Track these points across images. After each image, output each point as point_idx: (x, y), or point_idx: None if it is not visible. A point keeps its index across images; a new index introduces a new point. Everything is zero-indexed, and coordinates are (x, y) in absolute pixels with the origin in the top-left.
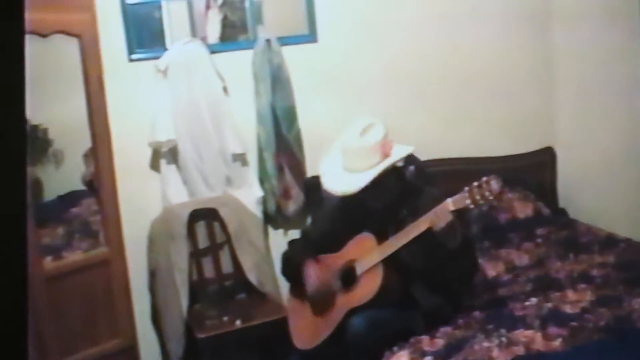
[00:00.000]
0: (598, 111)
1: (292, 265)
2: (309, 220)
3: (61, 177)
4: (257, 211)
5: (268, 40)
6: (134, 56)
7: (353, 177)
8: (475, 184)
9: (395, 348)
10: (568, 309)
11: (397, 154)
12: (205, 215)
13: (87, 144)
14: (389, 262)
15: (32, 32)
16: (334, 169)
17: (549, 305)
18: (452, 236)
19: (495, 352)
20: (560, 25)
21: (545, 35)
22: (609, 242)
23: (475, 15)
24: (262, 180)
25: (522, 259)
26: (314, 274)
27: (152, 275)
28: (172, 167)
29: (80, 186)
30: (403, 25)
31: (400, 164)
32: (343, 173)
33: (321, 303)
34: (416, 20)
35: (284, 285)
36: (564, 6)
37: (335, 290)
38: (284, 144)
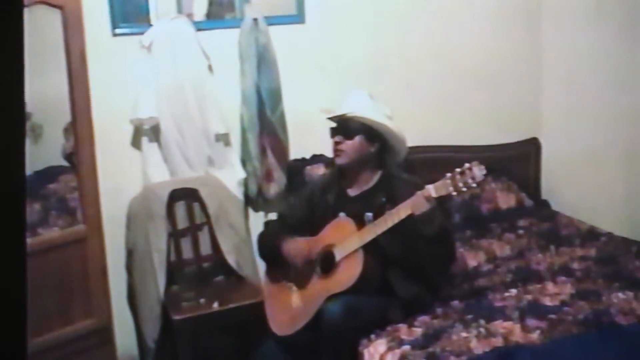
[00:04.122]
0: (584, 104)
1: (269, 246)
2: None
3: (39, 152)
4: (238, 193)
5: (255, 20)
6: (117, 31)
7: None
8: (458, 170)
9: (372, 336)
10: (547, 302)
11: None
12: (185, 195)
13: (67, 119)
14: (367, 249)
15: None
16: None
17: (529, 297)
18: (430, 223)
19: (474, 343)
20: (550, 19)
21: (534, 29)
22: (591, 235)
23: (466, 6)
24: (245, 161)
25: (503, 249)
26: (293, 247)
27: (130, 254)
28: (154, 145)
29: (58, 162)
30: (393, 10)
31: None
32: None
33: (305, 274)
34: (406, 8)
35: (262, 269)
36: (554, 1)
37: (314, 274)
38: (267, 125)
